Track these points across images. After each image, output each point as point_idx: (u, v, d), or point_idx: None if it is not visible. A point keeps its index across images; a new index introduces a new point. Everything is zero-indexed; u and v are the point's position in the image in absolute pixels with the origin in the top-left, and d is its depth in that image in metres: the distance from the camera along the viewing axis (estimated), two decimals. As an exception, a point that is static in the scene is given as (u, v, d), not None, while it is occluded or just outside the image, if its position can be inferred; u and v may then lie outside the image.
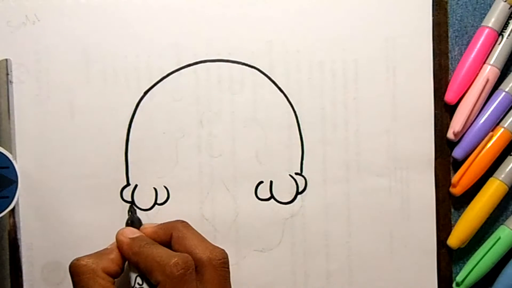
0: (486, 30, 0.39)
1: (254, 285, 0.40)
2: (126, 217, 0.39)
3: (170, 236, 0.35)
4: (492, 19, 0.39)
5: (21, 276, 0.39)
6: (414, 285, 0.40)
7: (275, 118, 0.40)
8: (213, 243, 0.35)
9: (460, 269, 0.40)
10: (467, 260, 0.41)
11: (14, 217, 0.39)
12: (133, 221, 0.38)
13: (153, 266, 0.32)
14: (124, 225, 0.39)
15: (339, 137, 0.40)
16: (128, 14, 0.40)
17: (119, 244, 0.35)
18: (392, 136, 0.40)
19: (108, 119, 0.40)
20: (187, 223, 0.37)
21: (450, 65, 0.41)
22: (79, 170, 0.40)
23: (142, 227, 0.38)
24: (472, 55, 0.39)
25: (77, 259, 0.33)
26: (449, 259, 0.41)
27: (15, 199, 0.39)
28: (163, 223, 0.37)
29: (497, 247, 0.39)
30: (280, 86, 0.40)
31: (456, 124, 0.39)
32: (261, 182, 0.40)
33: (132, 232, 0.36)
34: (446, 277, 0.41)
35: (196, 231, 0.36)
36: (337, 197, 0.40)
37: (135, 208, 0.40)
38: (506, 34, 0.39)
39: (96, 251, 0.35)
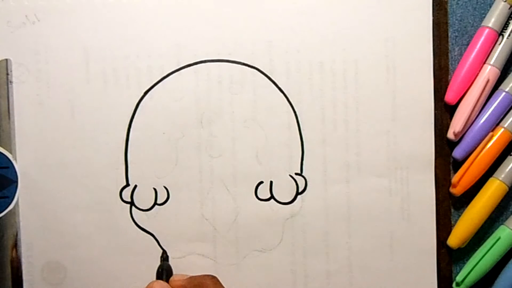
0: (486, 30, 0.39)
1: (254, 285, 0.40)
2: (126, 217, 0.40)
3: None
4: (492, 19, 0.39)
5: (21, 276, 0.39)
6: (414, 285, 0.40)
7: (275, 118, 0.40)
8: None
9: (460, 269, 0.40)
10: (467, 260, 0.41)
11: (14, 217, 0.39)
12: (164, 268, 0.39)
13: None
14: (124, 222, 0.39)
15: (339, 137, 0.40)
16: (128, 14, 0.40)
17: None
18: (392, 136, 0.40)
19: (108, 119, 0.40)
20: (216, 280, 0.36)
21: (450, 65, 0.41)
22: (79, 170, 0.40)
23: (171, 278, 0.38)
24: (472, 55, 0.39)
25: None
26: (449, 259, 0.41)
27: (15, 199, 0.39)
28: (193, 276, 0.37)
29: (497, 247, 0.39)
30: (280, 86, 0.40)
31: (456, 124, 0.39)
32: (261, 182, 0.40)
33: (162, 287, 0.36)
34: (446, 277, 0.41)
35: None
36: (337, 197, 0.40)
37: (168, 255, 0.40)
38: (506, 34, 0.39)
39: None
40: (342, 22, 0.40)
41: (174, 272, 0.39)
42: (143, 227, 0.40)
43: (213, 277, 0.36)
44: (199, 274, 0.37)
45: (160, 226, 0.40)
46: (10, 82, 0.39)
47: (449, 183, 0.41)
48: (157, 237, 0.40)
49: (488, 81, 0.39)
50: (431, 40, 0.40)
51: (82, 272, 0.40)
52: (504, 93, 0.39)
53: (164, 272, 0.38)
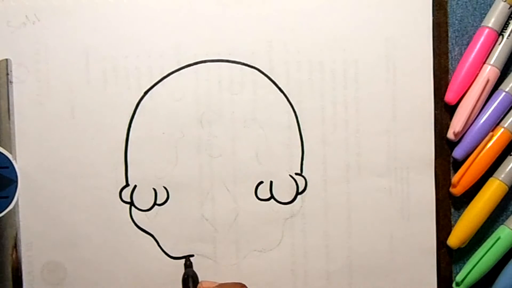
0: (486, 30, 0.39)
1: (254, 285, 0.40)
2: (125, 218, 0.40)
3: None
4: (492, 19, 0.39)
5: (21, 276, 0.39)
6: (414, 285, 0.40)
7: (275, 118, 0.40)
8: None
9: (460, 269, 0.40)
10: (467, 260, 0.41)
11: (14, 217, 0.39)
12: (190, 275, 0.38)
13: None
14: (123, 222, 0.39)
15: (339, 137, 0.40)
16: (128, 14, 0.40)
17: None
18: (392, 136, 0.40)
19: (108, 119, 0.40)
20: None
21: (450, 65, 0.41)
22: (79, 170, 0.40)
23: (199, 285, 0.38)
24: (472, 55, 0.39)
25: None
26: (449, 259, 0.41)
27: (15, 199, 0.39)
28: (222, 284, 0.37)
29: (497, 247, 0.39)
30: (280, 86, 0.40)
31: (457, 124, 0.39)
32: (261, 182, 0.40)
33: None
34: (446, 277, 0.41)
35: None
36: (337, 197, 0.40)
37: (191, 261, 0.39)
38: (506, 34, 0.39)
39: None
40: (342, 22, 0.40)
41: (178, 276, 0.39)
42: (143, 228, 0.40)
43: (243, 285, 0.36)
44: (200, 274, 0.37)
45: (160, 226, 0.40)
46: (10, 82, 0.39)
47: (449, 183, 0.41)
48: (157, 238, 0.40)
49: (488, 81, 0.39)
50: (431, 40, 0.40)
51: (82, 272, 0.40)
52: (504, 93, 0.39)
53: (191, 279, 0.38)
